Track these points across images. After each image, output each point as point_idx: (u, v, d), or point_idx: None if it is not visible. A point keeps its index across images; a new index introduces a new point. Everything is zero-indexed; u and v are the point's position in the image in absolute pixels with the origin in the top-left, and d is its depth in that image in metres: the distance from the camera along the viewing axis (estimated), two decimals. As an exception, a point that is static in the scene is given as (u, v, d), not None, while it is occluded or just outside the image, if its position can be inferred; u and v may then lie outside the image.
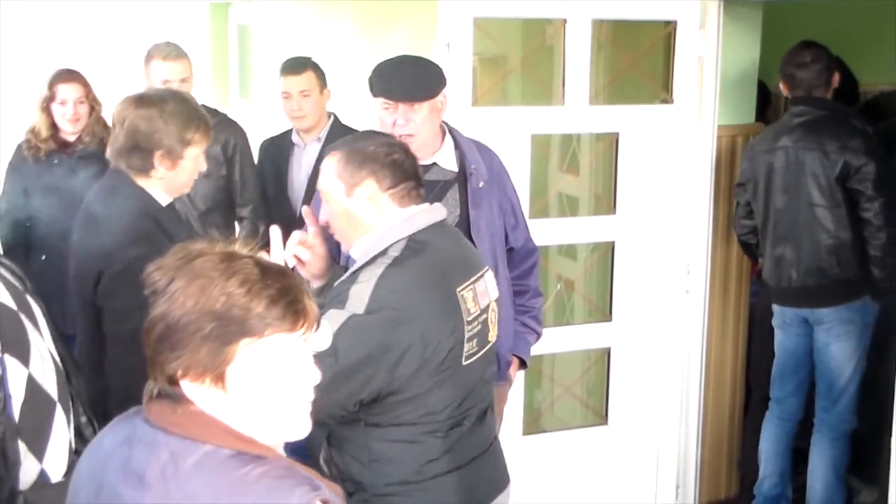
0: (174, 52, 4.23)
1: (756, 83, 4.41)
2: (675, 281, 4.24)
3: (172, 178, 2.85)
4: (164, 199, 2.87)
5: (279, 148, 4.47)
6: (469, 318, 2.40)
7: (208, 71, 7.51)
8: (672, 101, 4.14)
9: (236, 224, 4.51)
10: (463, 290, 2.40)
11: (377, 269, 2.34)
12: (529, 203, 3.93)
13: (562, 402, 4.51)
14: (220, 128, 4.37)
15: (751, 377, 4.54)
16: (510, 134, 3.89)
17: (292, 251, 2.59)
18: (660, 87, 4.20)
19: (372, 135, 2.58)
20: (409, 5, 4.45)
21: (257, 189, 4.44)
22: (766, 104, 4.90)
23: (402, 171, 2.44)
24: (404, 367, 2.28)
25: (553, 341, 4.04)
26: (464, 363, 2.39)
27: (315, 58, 4.43)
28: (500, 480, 2.61)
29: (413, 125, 3.01)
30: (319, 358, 2.17)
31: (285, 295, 1.55)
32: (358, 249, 2.44)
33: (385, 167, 2.42)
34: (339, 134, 4.06)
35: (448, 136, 3.17)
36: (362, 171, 2.42)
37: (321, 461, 2.48)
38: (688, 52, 4.08)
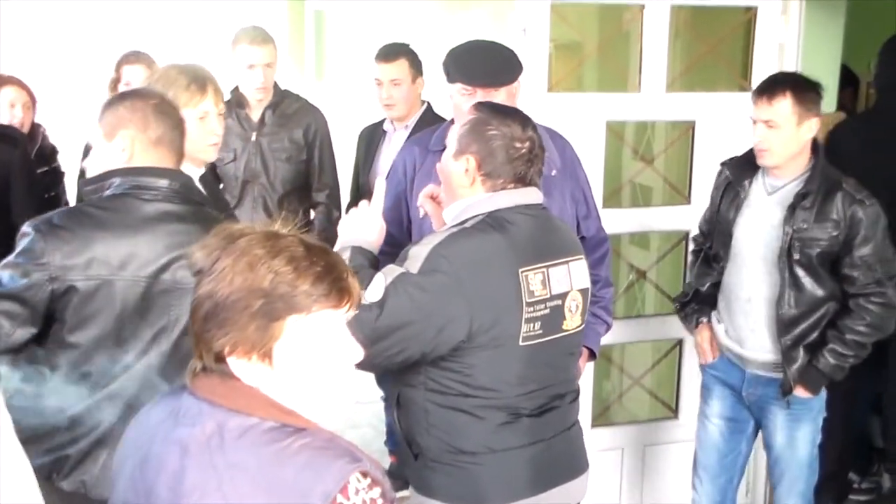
0: (261, 36, 4.26)
1: (838, 71, 4.31)
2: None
3: None
4: (190, 169, 2.86)
5: (372, 135, 4.50)
6: (531, 300, 2.38)
7: (286, 55, 7.58)
8: (751, 89, 4.04)
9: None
10: (528, 271, 2.38)
11: (441, 235, 2.37)
12: (602, 191, 3.89)
13: (631, 394, 4.47)
14: (302, 112, 4.41)
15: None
16: (585, 121, 3.85)
17: (421, 201, 2.72)
18: (738, 75, 4.12)
19: (510, 116, 2.51)
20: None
21: (334, 175, 4.48)
22: (853, 89, 4.80)
23: (511, 166, 2.42)
24: (449, 334, 2.30)
25: (623, 332, 4.00)
26: (521, 343, 2.37)
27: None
28: (574, 465, 2.60)
29: None
30: (368, 308, 2.23)
31: (330, 272, 1.57)
32: (448, 214, 2.49)
33: (494, 154, 2.42)
34: (428, 122, 4.07)
35: None
36: (473, 146, 2.44)
37: (393, 420, 2.52)
38: (768, 38, 4.00)
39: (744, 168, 3.40)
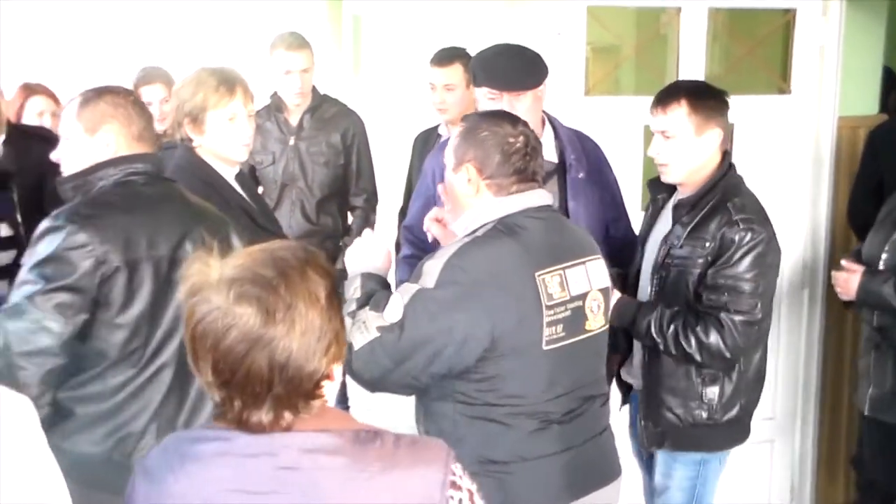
0: (297, 41, 4.29)
1: (880, 73, 4.26)
2: (793, 277, 4.13)
3: (210, 144, 3.00)
4: (222, 168, 3.03)
5: (427, 139, 4.49)
6: (550, 303, 2.34)
7: (323, 59, 7.61)
8: (790, 92, 4.03)
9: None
10: (545, 273, 2.35)
11: (453, 247, 2.35)
12: (641, 194, 3.87)
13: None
14: (340, 117, 4.44)
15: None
16: (623, 124, 3.84)
17: (427, 225, 2.73)
18: (777, 77, 4.09)
19: (499, 117, 2.51)
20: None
21: (372, 179, 4.49)
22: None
23: (509, 163, 2.39)
24: (472, 345, 2.27)
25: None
26: (544, 348, 2.35)
27: (426, 48, 4.43)
28: (607, 471, 2.57)
29: (518, 114, 2.95)
30: (389, 329, 2.22)
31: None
32: (458, 228, 2.47)
33: (492, 156, 2.39)
34: None
35: (548, 126, 3.14)
36: (469, 153, 2.42)
37: (421, 434, 2.49)
38: (808, 40, 3.96)
39: (662, 183, 3.07)
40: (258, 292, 1.47)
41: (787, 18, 3.99)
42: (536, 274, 2.34)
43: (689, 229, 2.89)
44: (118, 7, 8.21)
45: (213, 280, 1.50)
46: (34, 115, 4.53)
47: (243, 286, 1.48)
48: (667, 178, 2.99)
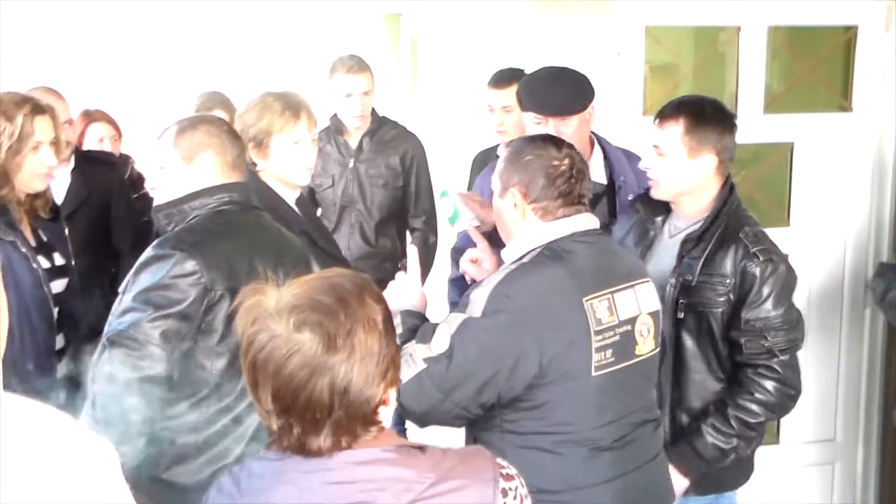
0: (357, 65, 4.33)
1: (944, 90, 4.20)
2: (855, 297, 4.08)
3: (274, 169, 3.02)
4: (284, 192, 3.05)
5: (486, 159, 4.49)
6: (599, 328, 2.31)
7: (382, 81, 7.68)
8: (851, 110, 3.99)
9: (408, 234, 4.59)
10: (593, 298, 2.32)
11: (500, 275, 2.33)
12: (700, 214, 3.85)
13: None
14: (400, 139, 4.47)
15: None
16: (681, 144, 3.82)
17: (463, 267, 2.75)
18: (838, 95, 4.06)
19: (543, 140, 2.50)
20: (580, 12, 4.44)
21: (431, 200, 4.51)
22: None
23: (554, 187, 2.37)
24: (522, 372, 2.25)
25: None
26: (594, 374, 2.31)
27: (483, 68, 4.44)
28: (660, 498, 2.53)
29: (564, 138, 2.93)
30: (436, 360, 2.22)
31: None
32: (507, 254, 2.46)
33: (536, 179, 2.38)
34: None
35: (597, 147, 3.13)
36: (514, 177, 2.41)
37: None
38: (870, 57, 3.93)
39: (657, 203, 2.93)
40: (318, 318, 1.50)
41: (848, 36, 3.95)
42: (584, 299, 2.31)
43: (701, 264, 2.76)
44: (179, 32, 8.35)
45: (272, 309, 1.52)
46: (95, 140, 4.63)
47: (303, 313, 1.50)
48: (655, 193, 2.90)
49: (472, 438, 2.45)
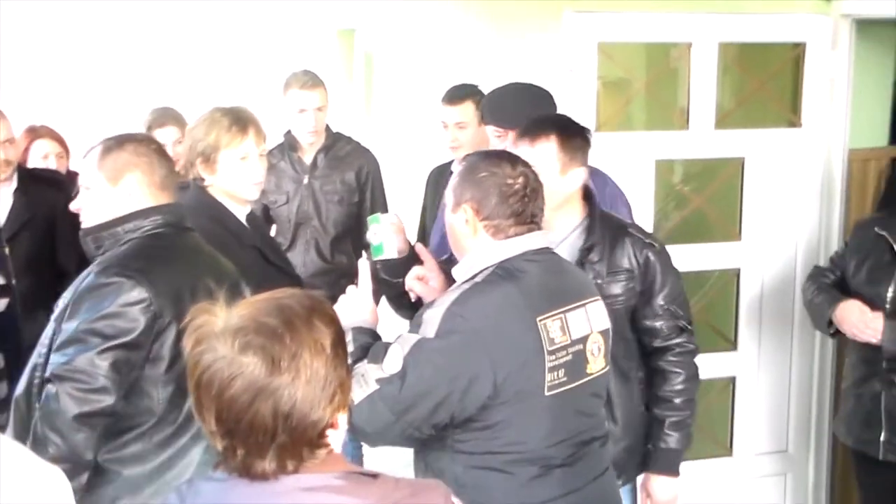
0: (311, 80, 4.31)
1: (890, 104, 4.28)
2: (804, 310, 4.12)
3: (222, 184, 2.99)
4: (234, 207, 3.02)
5: (440, 175, 4.48)
6: (552, 348, 2.30)
7: (336, 97, 7.66)
8: (801, 125, 4.04)
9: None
10: (546, 318, 2.31)
11: (453, 294, 2.31)
12: (654, 229, 3.89)
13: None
14: (355, 155, 4.45)
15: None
16: (634, 159, 3.86)
17: (409, 285, 2.71)
18: (788, 110, 4.11)
19: (498, 157, 2.47)
20: (533, 28, 4.46)
21: None
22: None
23: (507, 205, 2.35)
24: (475, 393, 2.23)
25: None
26: (547, 394, 2.30)
27: (438, 85, 4.45)
28: None
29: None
30: (389, 381, 2.19)
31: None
32: (458, 272, 2.43)
33: (489, 196, 2.35)
34: None
35: None
36: (466, 193, 2.38)
37: None
38: (818, 73, 3.99)
39: None
40: (263, 342, 1.48)
41: (796, 52, 4.01)
42: (538, 319, 2.30)
43: (606, 265, 2.83)
44: (129, 47, 8.28)
45: (218, 329, 1.51)
46: (39, 157, 4.51)
47: (248, 335, 1.49)
48: None
49: (421, 459, 2.42)
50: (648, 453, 2.93)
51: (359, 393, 2.20)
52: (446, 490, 1.61)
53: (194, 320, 1.54)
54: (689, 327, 2.95)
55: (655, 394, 2.93)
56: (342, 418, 1.56)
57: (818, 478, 4.27)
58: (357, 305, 2.47)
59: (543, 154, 2.76)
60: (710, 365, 4.15)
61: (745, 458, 4.18)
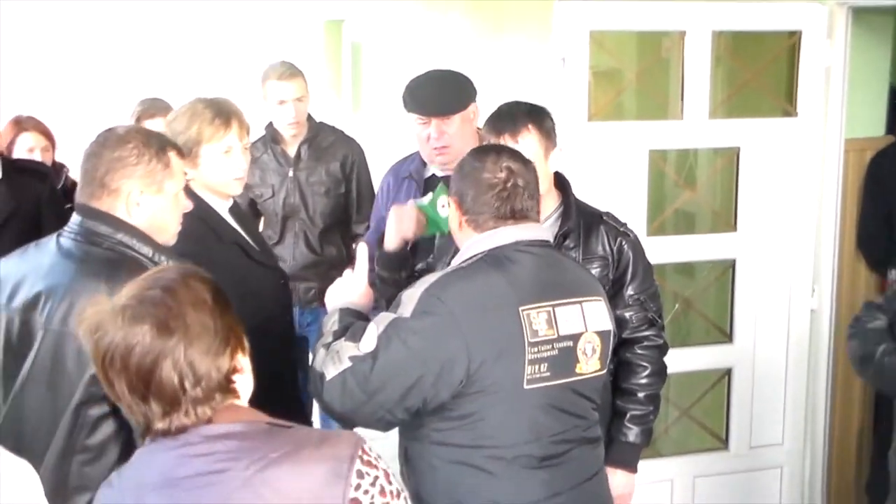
0: (289, 71, 4.25)
1: (886, 94, 4.24)
2: (800, 300, 4.09)
3: (204, 178, 2.92)
4: (215, 202, 2.95)
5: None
6: (534, 340, 2.24)
7: (323, 87, 7.61)
8: (796, 114, 3.99)
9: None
10: (530, 309, 2.25)
11: (434, 277, 2.28)
12: (647, 220, 3.84)
13: (679, 425, 4.39)
14: (339, 145, 4.40)
15: (879, 397, 4.34)
16: (627, 149, 3.81)
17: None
18: (783, 100, 4.06)
19: (484, 153, 2.44)
20: (524, 17, 4.41)
21: (372, 206, 4.44)
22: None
23: (482, 201, 2.33)
24: (448, 378, 2.18)
25: (670, 362, 3.91)
26: (526, 387, 2.23)
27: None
28: None
29: (447, 137, 3.29)
30: (362, 359, 2.16)
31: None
32: (456, 261, 2.42)
33: (468, 191, 2.35)
34: None
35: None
36: (454, 187, 2.40)
37: (401, 476, 2.40)
38: (814, 62, 3.93)
39: None
40: (148, 310, 1.62)
41: (792, 41, 3.96)
42: (521, 308, 2.24)
43: (581, 252, 2.82)
44: (117, 38, 8.22)
45: (108, 313, 1.64)
46: (24, 150, 4.50)
47: (134, 308, 1.63)
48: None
49: (403, 450, 2.39)
50: (607, 445, 2.83)
51: (331, 369, 2.18)
52: (358, 439, 1.67)
53: (86, 315, 1.66)
54: (658, 321, 2.94)
55: (620, 385, 2.93)
56: (244, 361, 1.71)
57: (814, 471, 4.23)
58: (348, 287, 2.45)
59: (528, 146, 2.72)
60: (705, 357, 4.13)
61: (741, 451, 4.15)
